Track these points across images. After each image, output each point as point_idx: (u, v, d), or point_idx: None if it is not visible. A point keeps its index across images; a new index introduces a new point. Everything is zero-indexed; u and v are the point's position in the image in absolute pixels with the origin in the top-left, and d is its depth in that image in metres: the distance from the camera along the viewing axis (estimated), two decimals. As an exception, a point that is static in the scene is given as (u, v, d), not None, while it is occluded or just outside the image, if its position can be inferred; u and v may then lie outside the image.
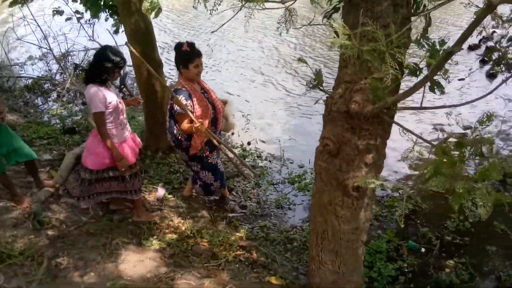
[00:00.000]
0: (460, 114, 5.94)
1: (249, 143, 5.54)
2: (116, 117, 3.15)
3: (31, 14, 7.11)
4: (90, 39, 7.71)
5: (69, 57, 7.67)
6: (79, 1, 6.01)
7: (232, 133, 4.20)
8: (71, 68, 7.01)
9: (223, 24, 3.06)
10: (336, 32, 1.79)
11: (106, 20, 6.89)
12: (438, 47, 1.88)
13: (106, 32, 7.63)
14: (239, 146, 5.44)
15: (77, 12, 7.15)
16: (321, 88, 2.44)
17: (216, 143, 3.54)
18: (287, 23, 2.41)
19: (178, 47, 3.45)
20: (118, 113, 3.16)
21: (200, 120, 3.36)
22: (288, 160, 5.10)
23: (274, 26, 10.51)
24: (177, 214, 3.96)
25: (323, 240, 2.54)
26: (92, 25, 7.65)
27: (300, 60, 2.41)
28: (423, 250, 3.57)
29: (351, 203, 2.35)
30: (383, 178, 1.99)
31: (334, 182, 2.34)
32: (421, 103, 1.99)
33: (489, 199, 1.37)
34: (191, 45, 3.43)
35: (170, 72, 7.87)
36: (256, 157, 5.19)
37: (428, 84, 1.91)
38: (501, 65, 2.31)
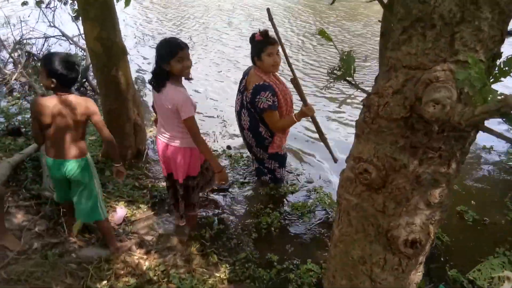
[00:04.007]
0: None
1: (229, 147, 4.62)
2: None
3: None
4: (50, 26, 6.72)
5: (27, 46, 6.63)
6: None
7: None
8: (22, 57, 5.97)
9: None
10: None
11: (65, 3, 5.96)
12: None
13: (69, 18, 6.69)
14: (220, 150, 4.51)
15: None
16: (351, 80, 1.58)
17: (319, 132, 3.30)
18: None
19: (252, 38, 3.18)
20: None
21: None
22: (296, 172, 4.17)
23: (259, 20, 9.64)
24: (139, 245, 3.05)
25: (349, 314, 1.67)
26: (53, 11, 6.67)
27: (322, 34, 1.54)
28: (458, 301, 2.74)
29: (398, 264, 1.48)
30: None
31: (371, 229, 1.47)
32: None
33: None
34: (264, 33, 3.11)
35: (142, 65, 6.90)
36: (242, 164, 4.26)
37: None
38: None
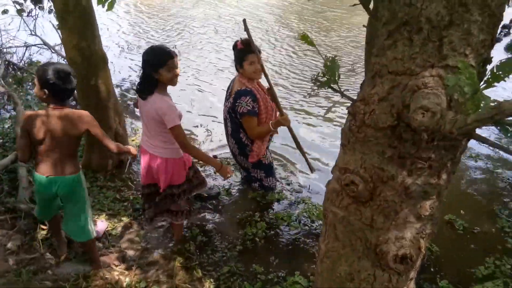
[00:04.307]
0: None
1: (214, 157, 4.51)
2: None
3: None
4: (31, 34, 6.58)
5: (7, 55, 6.47)
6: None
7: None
8: (1, 66, 5.81)
9: None
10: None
11: (49, 12, 5.86)
12: None
13: (51, 26, 6.55)
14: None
15: (16, 3, 6.05)
16: (336, 87, 1.51)
17: (295, 141, 3.29)
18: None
19: (234, 46, 3.23)
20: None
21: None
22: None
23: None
24: (120, 260, 2.93)
25: (337, 333, 1.58)
26: (34, 19, 6.54)
27: (304, 38, 1.47)
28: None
29: (388, 280, 1.41)
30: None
31: (359, 244, 1.39)
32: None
33: None
34: (245, 42, 3.13)
35: (125, 74, 6.78)
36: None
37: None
38: None
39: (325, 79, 1.51)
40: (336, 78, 1.49)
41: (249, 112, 3.18)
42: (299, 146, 3.32)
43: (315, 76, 1.53)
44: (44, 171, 2.42)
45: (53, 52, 6.60)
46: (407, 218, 1.29)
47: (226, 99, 3.43)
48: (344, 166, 1.34)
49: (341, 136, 1.40)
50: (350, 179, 1.30)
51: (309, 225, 3.41)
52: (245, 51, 3.13)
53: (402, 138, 1.19)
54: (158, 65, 2.47)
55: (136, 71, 6.84)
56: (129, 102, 5.76)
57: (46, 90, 2.32)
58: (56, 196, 2.52)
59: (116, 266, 2.87)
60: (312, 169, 3.44)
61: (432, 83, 1.08)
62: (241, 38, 3.19)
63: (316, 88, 1.53)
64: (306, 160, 3.38)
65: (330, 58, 1.49)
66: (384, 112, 1.19)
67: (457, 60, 1.07)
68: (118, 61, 7.25)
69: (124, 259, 2.96)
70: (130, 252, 3.03)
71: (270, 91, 3.15)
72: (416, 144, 1.18)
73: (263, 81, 3.37)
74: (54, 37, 6.74)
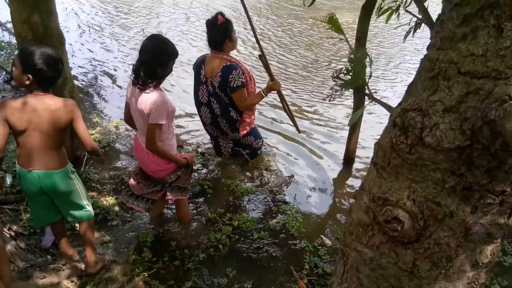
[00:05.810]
0: None
1: (203, 154, 4.05)
2: (171, 124, 2.65)
3: None
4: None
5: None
6: None
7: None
8: None
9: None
10: None
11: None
12: None
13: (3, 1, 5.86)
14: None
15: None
16: (365, 90, 1.18)
17: (284, 105, 3.45)
18: None
19: (214, 22, 3.13)
20: (171, 119, 2.64)
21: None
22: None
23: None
24: (74, 276, 2.50)
25: None
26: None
27: (331, 22, 1.12)
28: None
29: None
30: None
31: (392, 294, 1.07)
32: None
33: None
34: (223, 14, 3.15)
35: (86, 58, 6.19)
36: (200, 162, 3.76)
37: None
38: None
39: (350, 77, 1.18)
40: (366, 77, 1.16)
41: (242, 85, 3.19)
42: (288, 109, 3.39)
43: (337, 73, 1.19)
44: (26, 164, 2.21)
45: (4, 30, 5.92)
46: (461, 267, 0.99)
47: (203, 83, 3.31)
48: (383, 195, 1.01)
49: (374, 154, 1.07)
50: (392, 214, 0.97)
51: (283, 237, 3.05)
52: (230, 23, 3.14)
53: (473, 164, 0.88)
54: (173, 58, 2.46)
55: (96, 55, 6.26)
56: (89, 89, 5.21)
57: (30, 76, 2.10)
58: (42, 192, 2.29)
59: (69, 282, 2.45)
60: (299, 130, 3.60)
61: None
62: (217, 13, 3.15)
63: (338, 89, 1.19)
64: (293, 121, 3.45)
65: (360, 51, 1.15)
66: (452, 127, 0.86)
67: None
68: (77, 44, 6.63)
69: (78, 274, 2.53)
70: (83, 266, 2.60)
71: (262, 57, 3.20)
72: (491, 173, 0.87)
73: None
74: (6, 14, 6.05)
